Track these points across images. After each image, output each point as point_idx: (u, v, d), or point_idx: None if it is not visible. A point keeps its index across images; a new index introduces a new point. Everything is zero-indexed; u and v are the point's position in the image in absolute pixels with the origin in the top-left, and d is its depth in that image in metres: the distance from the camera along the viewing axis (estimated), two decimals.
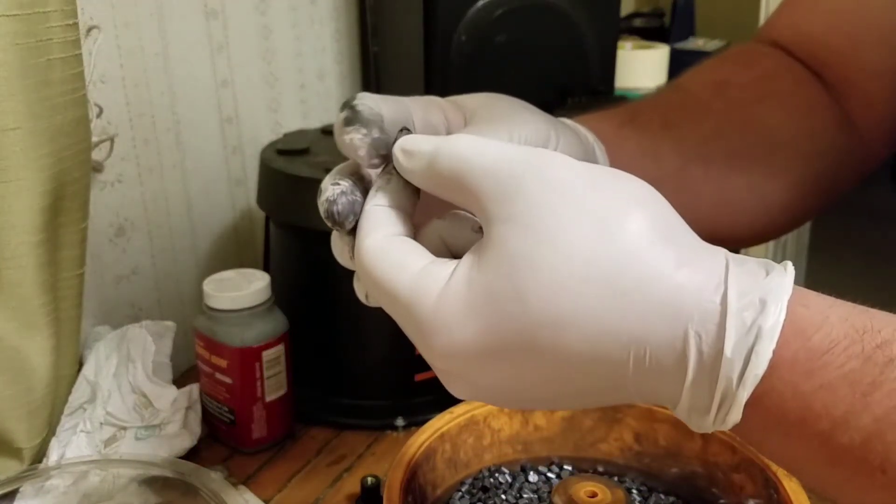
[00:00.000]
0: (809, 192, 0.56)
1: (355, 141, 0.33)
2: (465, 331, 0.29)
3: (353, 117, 0.34)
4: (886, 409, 0.26)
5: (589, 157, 0.45)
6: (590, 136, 0.47)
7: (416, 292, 0.30)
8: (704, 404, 0.28)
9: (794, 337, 0.27)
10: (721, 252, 0.30)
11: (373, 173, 0.35)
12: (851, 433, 0.27)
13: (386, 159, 0.34)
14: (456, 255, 0.33)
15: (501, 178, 0.29)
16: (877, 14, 0.53)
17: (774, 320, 0.27)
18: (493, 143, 0.30)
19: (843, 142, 0.56)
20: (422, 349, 0.31)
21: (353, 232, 0.34)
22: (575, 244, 0.28)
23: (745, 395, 0.27)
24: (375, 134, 0.33)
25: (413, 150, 0.32)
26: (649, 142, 0.51)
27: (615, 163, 0.48)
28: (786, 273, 0.28)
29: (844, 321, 0.28)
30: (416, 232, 0.34)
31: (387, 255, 0.31)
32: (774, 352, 0.27)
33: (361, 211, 0.33)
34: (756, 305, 0.27)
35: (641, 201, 0.29)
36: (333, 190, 0.34)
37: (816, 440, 0.28)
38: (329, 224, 0.34)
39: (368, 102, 0.35)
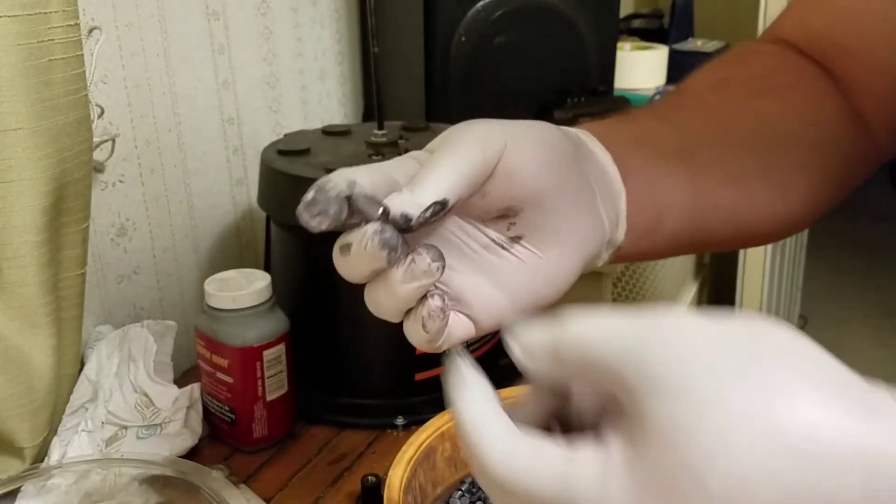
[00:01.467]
0: (823, 183, 0.56)
1: (320, 225, 0.34)
2: None
3: (312, 202, 0.34)
4: None
5: (570, 139, 0.42)
6: (569, 129, 0.45)
7: (572, 493, 0.27)
8: None
9: None
10: (888, 395, 0.26)
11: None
12: None
13: (354, 214, 0.34)
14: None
15: (637, 349, 0.26)
16: (886, 12, 0.53)
17: None
18: (607, 318, 0.28)
19: (852, 135, 0.56)
20: None
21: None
22: (743, 406, 0.24)
23: None
24: (387, 233, 0.33)
25: (531, 349, 0.30)
26: (644, 132, 0.49)
27: (610, 148, 0.45)
28: None
29: None
30: None
31: (523, 460, 0.28)
32: None
33: (453, 395, 0.31)
34: None
35: (798, 352, 0.26)
36: (374, 225, 0.33)
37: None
38: (385, 255, 0.34)
39: (364, 188, 0.34)
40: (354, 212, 0.34)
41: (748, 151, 0.52)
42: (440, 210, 0.34)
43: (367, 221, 0.34)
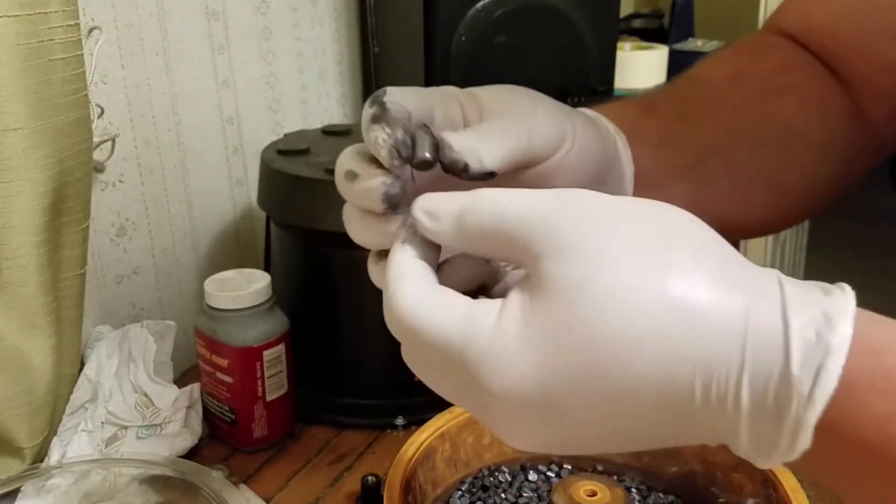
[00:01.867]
0: (823, 183, 0.56)
1: (378, 140, 0.34)
2: (525, 365, 0.27)
3: (380, 115, 0.34)
4: None
5: (608, 150, 0.44)
6: (610, 127, 0.46)
7: (468, 334, 0.28)
8: (770, 433, 0.26)
9: (867, 356, 0.26)
10: (773, 273, 0.29)
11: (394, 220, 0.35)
12: None
13: (406, 160, 0.34)
14: (478, 293, 0.34)
15: (541, 217, 0.28)
16: (888, 8, 0.53)
17: (842, 335, 0.25)
18: (517, 191, 0.30)
19: (855, 133, 0.56)
20: (476, 396, 0.29)
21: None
22: (635, 267, 0.27)
23: (814, 415, 0.25)
24: (399, 135, 0.34)
25: (436, 211, 0.31)
26: (667, 131, 0.50)
27: (636, 153, 0.47)
28: (845, 292, 0.27)
29: None
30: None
31: (429, 307, 0.30)
32: (846, 370, 0.25)
33: (389, 262, 0.33)
34: (820, 320, 0.26)
35: (689, 224, 0.29)
36: (387, 175, 0.34)
37: (891, 475, 0.26)
38: (383, 207, 0.34)
39: (396, 98, 0.35)
40: (409, 140, 0.34)
41: (758, 155, 0.53)
42: (488, 178, 0.35)
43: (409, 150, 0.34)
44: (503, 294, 0.30)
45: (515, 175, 0.38)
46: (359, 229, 0.36)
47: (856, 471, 0.27)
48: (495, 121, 0.37)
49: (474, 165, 0.34)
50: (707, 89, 0.54)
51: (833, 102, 0.55)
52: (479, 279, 0.35)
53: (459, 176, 0.35)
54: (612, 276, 0.27)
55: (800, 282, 0.28)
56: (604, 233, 0.27)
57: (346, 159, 0.36)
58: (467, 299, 0.30)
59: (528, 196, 0.29)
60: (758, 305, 0.27)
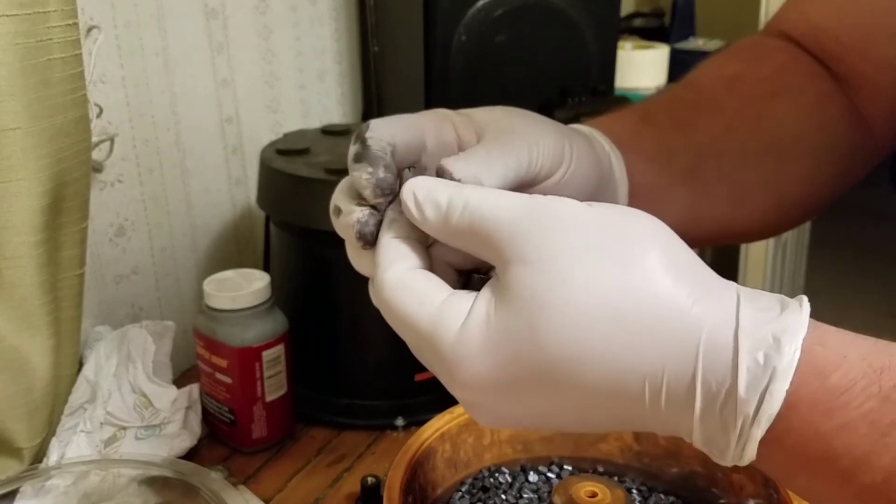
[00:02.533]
0: (821, 186, 0.56)
1: (361, 180, 0.35)
2: (483, 366, 0.30)
3: (361, 153, 0.35)
4: None
5: (603, 169, 0.45)
6: (605, 144, 0.46)
7: (437, 327, 0.31)
8: (720, 440, 0.29)
9: (812, 376, 0.27)
10: (733, 287, 0.30)
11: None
12: (873, 472, 0.27)
13: (391, 195, 0.35)
14: (472, 272, 0.35)
15: (515, 223, 0.30)
16: (890, 8, 0.53)
17: (789, 360, 0.27)
18: (504, 192, 0.31)
19: (853, 135, 0.56)
20: (443, 380, 0.32)
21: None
22: (589, 283, 0.28)
23: (759, 433, 0.28)
24: (380, 174, 0.35)
25: (423, 202, 0.32)
26: (663, 141, 0.51)
27: (630, 164, 0.47)
28: (801, 310, 0.28)
29: (862, 360, 0.27)
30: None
31: (407, 290, 0.32)
32: (791, 391, 0.27)
33: (377, 241, 0.35)
34: (770, 343, 0.27)
35: (652, 237, 0.29)
36: (362, 212, 0.35)
37: (839, 479, 0.28)
38: (360, 244, 0.35)
39: (380, 134, 0.36)
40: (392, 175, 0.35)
41: (754, 160, 0.53)
42: None
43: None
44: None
45: None
46: (353, 259, 0.38)
47: (803, 478, 0.29)
48: (495, 143, 0.38)
49: None
50: (704, 94, 0.55)
51: (831, 104, 0.55)
52: (474, 261, 0.35)
53: None
54: (567, 293, 0.28)
55: (758, 295, 0.29)
56: (566, 249, 0.29)
57: (336, 194, 0.38)
58: (446, 289, 0.32)
59: (505, 199, 0.31)
60: (712, 322, 0.28)
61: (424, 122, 0.39)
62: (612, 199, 0.46)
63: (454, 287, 0.33)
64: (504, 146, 0.37)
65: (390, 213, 0.35)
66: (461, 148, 0.39)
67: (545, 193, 0.38)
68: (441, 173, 0.35)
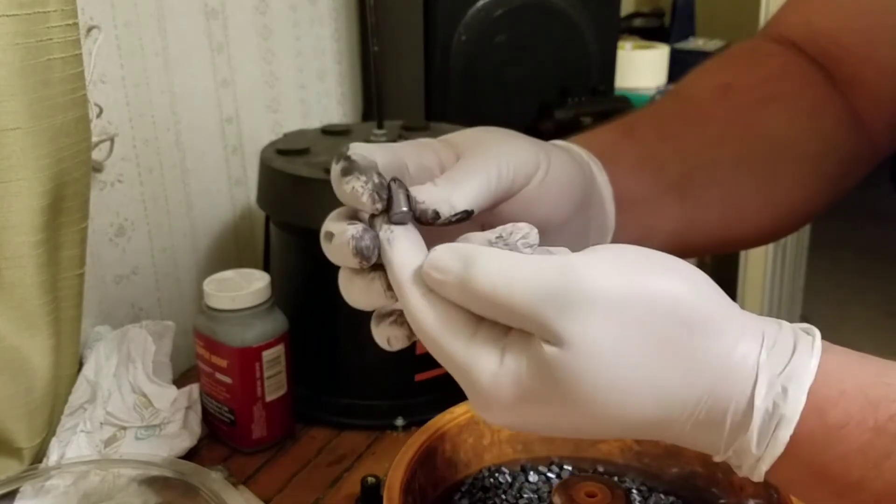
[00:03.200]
0: (816, 192, 0.56)
1: (357, 188, 0.34)
2: (511, 416, 0.33)
3: (349, 167, 0.35)
4: None
5: (585, 175, 0.45)
6: (583, 153, 0.47)
7: (470, 367, 0.32)
8: (734, 463, 0.32)
9: (813, 414, 0.30)
10: (759, 326, 0.32)
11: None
12: (865, 495, 0.30)
13: (387, 202, 0.35)
14: None
15: (545, 298, 0.30)
16: (891, 11, 0.53)
17: (794, 408, 0.30)
18: (520, 260, 0.31)
19: (850, 140, 0.56)
20: (468, 396, 0.34)
21: (375, 267, 0.35)
22: (621, 357, 0.30)
23: (764, 467, 0.31)
24: (375, 179, 0.34)
25: (443, 269, 0.32)
26: (647, 152, 0.51)
27: (613, 175, 0.47)
28: (811, 353, 0.31)
29: (860, 393, 0.30)
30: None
31: (439, 319, 0.33)
32: (794, 432, 0.30)
33: (388, 263, 0.35)
34: (779, 393, 0.30)
35: (678, 297, 0.30)
36: (356, 228, 0.35)
37: (834, 498, 0.31)
38: (357, 261, 0.35)
39: (361, 151, 0.36)
40: (383, 195, 0.35)
41: (747, 169, 0.53)
42: (465, 218, 0.36)
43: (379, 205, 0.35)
44: None
45: (495, 207, 0.39)
46: (346, 291, 0.38)
47: (802, 492, 0.33)
48: (463, 162, 0.38)
49: (445, 211, 0.35)
50: (692, 105, 0.55)
51: (827, 110, 0.55)
52: None
53: (433, 224, 0.35)
54: (598, 368, 0.30)
55: (776, 333, 0.32)
56: (600, 327, 0.30)
57: (326, 223, 0.37)
58: (471, 322, 0.33)
59: (532, 269, 0.31)
60: (734, 383, 0.30)
61: (405, 149, 0.39)
62: (599, 205, 0.46)
63: None
64: (472, 164, 0.37)
65: (386, 232, 0.35)
66: (443, 171, 0.39)
67: (528, 200, 0.39)
68: (411, 201, 0.35)
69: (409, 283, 0.34)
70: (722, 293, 0.32)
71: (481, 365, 0.32)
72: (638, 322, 0.30)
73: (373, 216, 0.36)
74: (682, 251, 0.53)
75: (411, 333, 0.37)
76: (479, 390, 0.32)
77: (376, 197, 0.34)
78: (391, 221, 0.35)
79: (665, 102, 0.56)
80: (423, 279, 0.33)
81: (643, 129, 0.52)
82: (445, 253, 0.33)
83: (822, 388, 0.30)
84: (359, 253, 0.35)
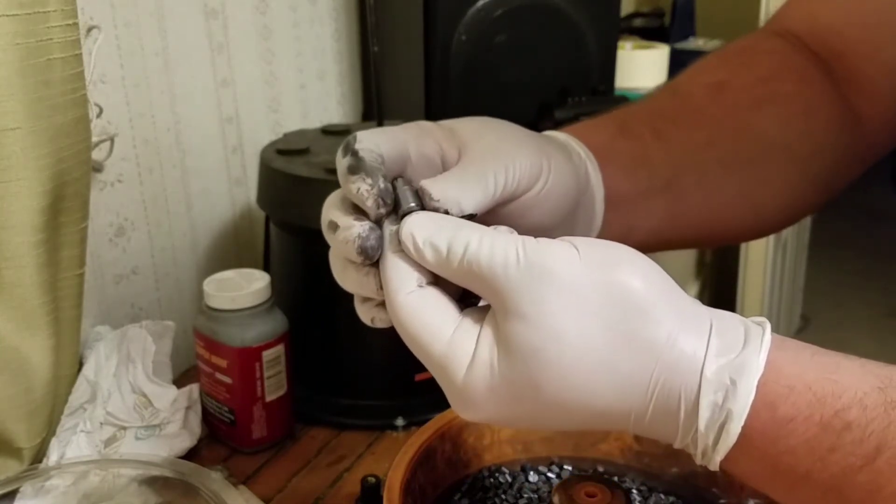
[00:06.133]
0: (803, 194, 0.56)
1: (362, 191, 0.36)
2: (488, 406, 0.34)
3: (356, 165, 0.36)
4: (842, 468, 0.31)
5: (581, 180, 0.45)
6: (581, 152, 0.47)
7: (447, 365, 0.34)
8: (692, 451, 0.34)
9: (763, 408, 0.31)
10: (707, 317, 0.33)
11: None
12: (812, 487, 0.32)
13: (392, 206, 0.36)
14: None
15: (511, 278, 0.32)
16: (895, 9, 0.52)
17: (744, 402, 0.31)
18: (498, 238, 0.33)
19: (842, 142, 0.56)
20: (450, 402, 0.36)
21: (376, 264, 0.37)
22: (582, 340, 0.32)
23: (717, 458, 0.32)
24: (381, 184, 0.35)
25: (422, 247, 0.34)
26: (641, 152, 0.51)
27: (606, 174, 0.48)
28: (761, 347, 0.32)
29: (808, 390, 0.31)
30: None
31: (420, 315, 0.35)
32: (745, 425, 0.31)
33: (382, 255, 0.36)
34: (727, 385, 0.31)
35: (634, 290, 0.32)
36: (363, 227, 0.36)
37: (783, 489, 0.33)
38: (360, 259, 0.36)
39: (368, 145, 0.37)
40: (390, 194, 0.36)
41: (735, 172, 0.53)
42: (469, 219, 0.37)
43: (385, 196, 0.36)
44: None
45: (494, 210, 0.39)
46: (339, 276, 0.39)
47: (756, 483, 0.34)
48: (472, 165, 0.38)
49: (454, 213, 0.36)
50: (687, 102, 0.55)
51: (820, 113, 0.55)
52: None
53: None
54: (563, 350, 0.32)
55: (726, 326, 0.33)
56: (560, 309, 0.32)
57: (328, 209, 0.39)
58: (452, 321, 0.35)
59: (500, 247, 0.33)
60: (684, 367, 0.32)
61: (407, 135, 0.39)
62: (589, 206, 0.47)
63: (456, 294, 0.36)
64: (481, 168, 0.38)
65: (389, 228, 0.36)
66: (444, 160, 0.40)
67: (525, 206, 0.40)
68: (421, 194, 0.36)
69: (398, 290, 0.35)
70: (676, 288, 0.33)
71: (457, 362, 0.34)
72: (595, 307, 0.32)
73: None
74: (660, 246, 0.54)
75: None
76: (455, 386, 0.34)
77: (381, 202, 0.36)
78: (401, 219, 0.36)
79: (661, 98, 0.56)
80: (408, 283, 0.35)
81: (639, 127, 0.52)
82: (425, 221, 0.34)
83: (772, 384, 0.31)
84: (363, 252, 0.36)
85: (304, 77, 0.96)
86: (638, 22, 1.77)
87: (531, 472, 0.53)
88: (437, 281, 0.36)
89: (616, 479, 0.53)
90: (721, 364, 0.32)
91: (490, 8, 0.94)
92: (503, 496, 0.51)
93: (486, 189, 0.38)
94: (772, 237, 1.88)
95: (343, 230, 0.36)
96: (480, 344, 0.34)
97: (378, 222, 0.36)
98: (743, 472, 0.34)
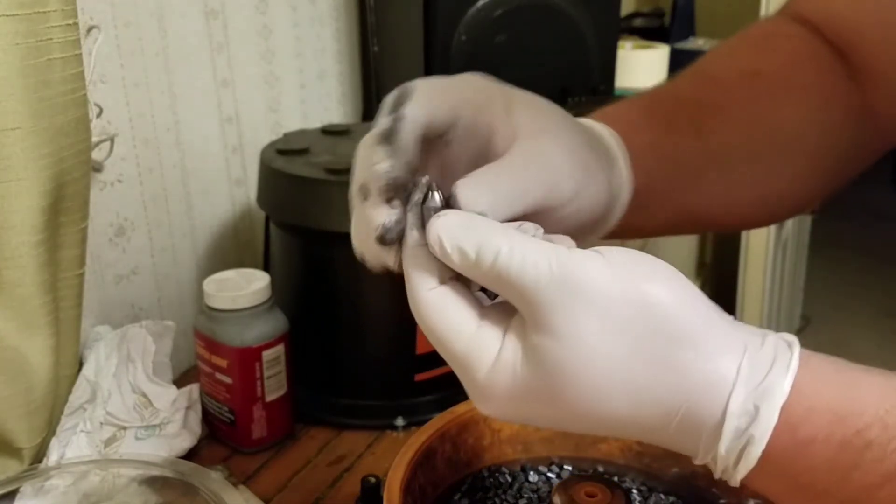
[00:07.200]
0: (813, 187, 0.55)
1: (378, 169, 0.34)
2: (507, 407, 0.34)
3: (389, 135, 0.35)
4: (862, 486, 0.31)
5: (612, 195, 0.44)
6: (623, 166, 0.45)
7: (469, 361, 0.34)
8: (712, 468, 0.33)
9: (784, 430, 0.31)
10: (740, 340, 0.32)
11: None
12: (834, 502, 0.32)
13: (407, 194, 0.35)
14: None
15: (542, 290, 0.32)
16: None
17: (765, 427, 0.31)
18: (530, 246, 0.32)
19: (855, 135, 0.55)
20: (468, 392, 0.35)
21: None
22: (610, 362, 0.31)
23: (738, 477, 0.32)
24: (397, 172, 0.34)
25: (450, 251, 0.33)
26: (679, 151, 0.49)
27: (639, 180, 0.46)
28: (787, 371, 0.31)
29: (828, 410, 0.31)
30: None
31: (442, 313, 0.34)
32: (766, 447, 0.31)
33: (404, 246, 0.35)
34: (751, 412, 0.31)
35: (666, 309, 0.31)
36: (389, 218, 0.35)
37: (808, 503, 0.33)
38: (378, 244, 0.35)
39: (418, 113, 0.35)
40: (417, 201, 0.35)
41: (755, 163, 0.52)
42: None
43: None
44: None
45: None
46: (358, 243, 0.38)
47: (780, 501, 0.35)
48: (514, 173, 0.37)
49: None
50: (719, 89, 0.53)
51: (836, 104, 0.54)
52: None
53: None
54: (591, 370, 0.32)
55: (759, 346, 0.32)
56: (590, 330, 0.31)
57: (361, 167, 0.37)
58: (474, 318, 0.34)
59: (531, 257, 0.32)
60: (710, 395, 0.31)
61: (467, 107, 0.38)
62: (610, 212, 0.46)
63: (477, 285, 0.35)
64: (523, 180, 0.37)
65: (413, 217, 0.35)
66: (490, 141, 0.38)
67: (545, 216, 0.39)
68: (452, 197, 0.35)
69: (419, 286, 0.34)
70: (710, 304, 0.33)
71: (481, 359, 0.33)
72: (625, 325, 0.31)
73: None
74: (662, 234, 0.53)
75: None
76: (477, 383, 0.34)
77: (387, 190, 0.35)
78: (424, 214, 0.35)
79: (701, 86, 0.54)
80: (429, 277, 0.34)
81: (683, 122, 0.51)
82: (456, 220, 0.33)
83: (795, 406, 0.31)
84: (382, 240, 0.35)
85: (304, 77, 0.96)
86: (638, 22, 1.77)
87: (531, 472, 0.53)
88: (458, 275, 0.35)
89: (616, 479, 0.53)
90: (749, 388, 0.31)
91: (490, 8, 0.94)
92: (503, 496, 0.51)
93: (519, 205, 0.37)
94: (772, 237, 1.88)
95: (371, 208, 0.35)
96: (505, 347, 0.33)
97: (403, 204, 0.35)
98: (761, 488, 0.34)
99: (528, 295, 0.32)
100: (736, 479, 0.33)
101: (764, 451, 0.31)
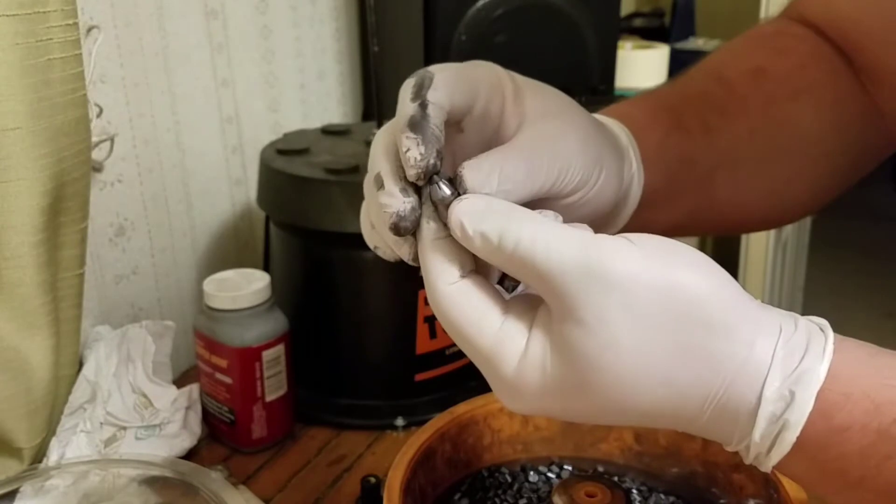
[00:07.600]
0: (826, 188, 0.55)
1: (410, 156, 0.33)
2: (537, 403, 0.33)
3: (418, 123, 0.33)
4: None
5: (622, 190, 0.44)
6: (634, 160, 0.45)
7: (495, 357, 0.33)
8: (744, 454, 0.33)
9: (819, 417, 0.30)
10: (775, 323, 0.31)
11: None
12: (864, 491, 0.31)
13: (430, 178, 0.34)
14: None
15: (569, 276, 0.30)
16: None
17: (801, 413, 0.30)
18: (555, 230, 0.31)
19: (867, 134, 0.54)
20: (494, 390, 0.34)
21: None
22: (641, 350, 0.31)
23: (770, 464, 0.32)
24: (432, 160, 0.33)
25: (472, 235, 0.32)
26: (689, 149, 0.49)
27: (650, 178, 0.46)
28: (823, 357, 0.31)
29: (865, 398, 0.30)
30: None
31: (465, 309, 0.33)
32: (800, 434, 0.31)
33: (420, 240, 0.34)
34: (786, 398, 0.30)
35: (699, 296, 0.31)
36: (404, 206, 0.34)
37: (833, 491, 0.32)
38: (392, 233, 0.34)
39: (441, 97, 0.34)
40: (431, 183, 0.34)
41: (768, 165, 0.52)
42: None
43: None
44: None
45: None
46: (369, 230, 0.37)
47: (805, 484, 0.35)
48: (524, 156, 0.36)
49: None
50: (732, 91, 0.52)
51: (849, 105, 0.53)
52: None
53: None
54: (621, 359, 0.31)
55: (792, 330, 0.32)
56: (620, 317, 0.30)
57: (378, 157, 0.36)
58: (497, 311, 0.33)
59: (556, 242, 0.31)
60: (743, 383, 0.31)
61: (482, 90, 0.37)
62: (620, 209, 0.45)
63: (497, 275, 0.35)
64: (534, 164, 0.36)
65: (428, 208, 0.34)
66: (500, 124, 0.38)
67: (557, 207, 0.38)
68: (458, 180, 0.34)
69: (438, 280, 0.33)
70: (740, 289, 0.32)
71: (508, 354, 0.32)
72: (656, 312, 0.30)
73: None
74: (672, 235, 0.53)
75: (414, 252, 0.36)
76: (505, 379, 0.33)
77: (423, 176, 0.33)
78: (433, 202, 0.34)
79: (708, 84, 0.53)
80: (450, 273, 0.33)
81: (692, 120, 0.50)
82: (477, 205, 0.32)
83: (830, 393, 0.30)
84: (395, 230, 0.34)
85: (304, 77, 0.96)
86: (638, 22, 1.77)
87: (531, 472, 0.53)
88: (478, 265, 0.34)
89: (616, 479, 0.53)
90: (784, 373, 0.31)
91: (490, 8, 0.94)
92: (503, 496, 0.51)
93: (533, 186, 0.36)
94: (772, 237, 1.88)
95: (385, 196, 0.34)
96: (532, 341, 0.32)
97: (417, 190, 0.34)
98: (793, 475, 0.33)
99: (553, 281, 0.31)
100: (768, 465, 0.32)
101: (798, 438, 0.31)
